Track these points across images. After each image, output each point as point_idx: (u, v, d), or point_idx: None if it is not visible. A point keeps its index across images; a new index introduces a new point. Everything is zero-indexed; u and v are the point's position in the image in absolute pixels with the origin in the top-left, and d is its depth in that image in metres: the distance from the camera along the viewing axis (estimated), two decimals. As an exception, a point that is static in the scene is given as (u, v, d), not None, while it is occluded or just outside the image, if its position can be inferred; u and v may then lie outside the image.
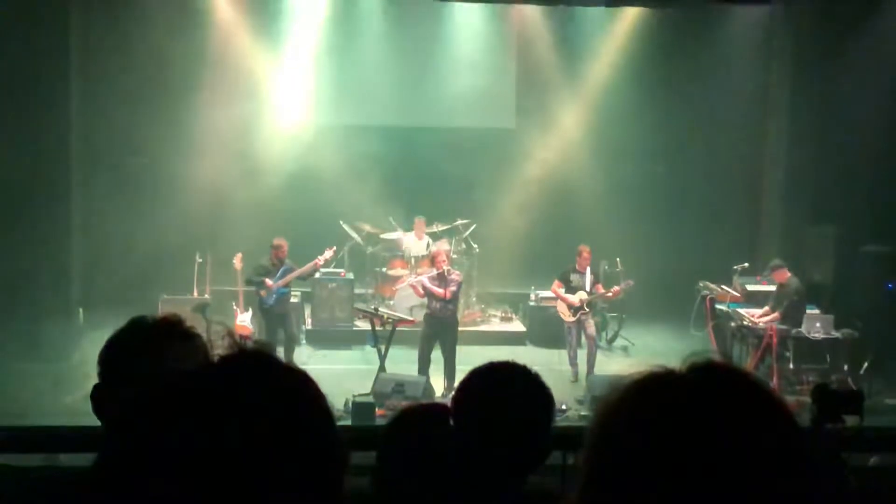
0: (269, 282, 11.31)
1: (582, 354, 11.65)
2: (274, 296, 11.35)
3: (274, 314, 11.42)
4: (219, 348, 1.11)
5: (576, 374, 11.60)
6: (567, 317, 11.69)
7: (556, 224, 14.59)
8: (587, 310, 11.61)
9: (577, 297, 11.60)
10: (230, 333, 1.14)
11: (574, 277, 11.70)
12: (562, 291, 11.73)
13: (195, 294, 12.49)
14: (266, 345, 1.13)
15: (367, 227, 14.24)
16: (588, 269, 11.74)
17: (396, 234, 14.15)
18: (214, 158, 13.80)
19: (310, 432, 1.06)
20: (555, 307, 12.06)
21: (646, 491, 1.01)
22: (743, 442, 1.02)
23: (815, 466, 1.06)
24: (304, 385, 1.09)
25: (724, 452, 1.01)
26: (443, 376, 10.71)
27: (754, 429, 1.03)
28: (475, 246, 14.16)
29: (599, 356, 11.88)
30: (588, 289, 11.64)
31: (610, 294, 11.97)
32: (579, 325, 11.64)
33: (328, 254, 11.75)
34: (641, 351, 13.14)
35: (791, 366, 11.17)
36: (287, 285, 11.56)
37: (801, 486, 1.03)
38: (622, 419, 1.07)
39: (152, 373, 1.70)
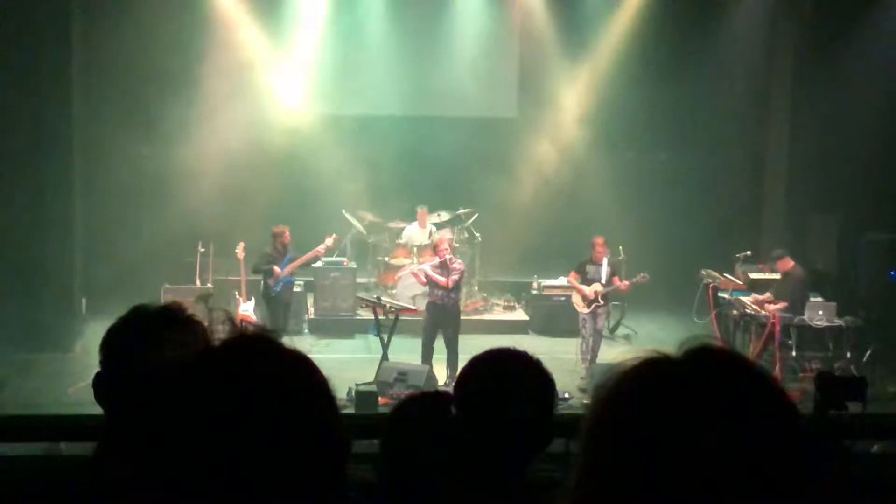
0: (277, 269, 11.31)
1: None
2: (281, 283, 11.38)
3: (279, 302, 11.45)
4: (220, 334, 1.10)
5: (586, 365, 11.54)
6: (581, 308, 11.60)
7: (559, 213, 14.57)
8: (602, 302, 11.53)
9: (591, 289, 11.51)
10: (231, 319, 1.13)
11: (590, 269, 11.59)
12: (578, 282, 11.66)
13: (197, 283, 12.49)
14: (267, 329, 1.12)
15: (370, 217, 14.22)
16: (605, 261, 11.64)
17: (400, 224, 14.16)
18: (216, 148, 13.77)
19: (312, 416, 1.05)
20: (557, 296, 12.01)
21: (643, 478, 1.01)
22: (740, 427, 1.01)
23: (815, 452, 1.05)
24: (306, 369, 1.09)
25: (720, 438, 1.00)
26: (446, 365, 10.72)
27: (750, 413, 1.02)
28: (477, 235, 14.14)
29: (602, 345, 11.85)
30: (604, 280, 11.54)
31: (622, 287, 11.90)
32: (594, 316, 11.55)
33: (329, 241, 11.73)
34: (644, 339, 13.12)
35: (794, 353, 11.17)
36: (292, 274, 11.58)
37: (801, 472, 1.02)
38: (618, 405, 1.07)
39: (154, 360, 1.70)
